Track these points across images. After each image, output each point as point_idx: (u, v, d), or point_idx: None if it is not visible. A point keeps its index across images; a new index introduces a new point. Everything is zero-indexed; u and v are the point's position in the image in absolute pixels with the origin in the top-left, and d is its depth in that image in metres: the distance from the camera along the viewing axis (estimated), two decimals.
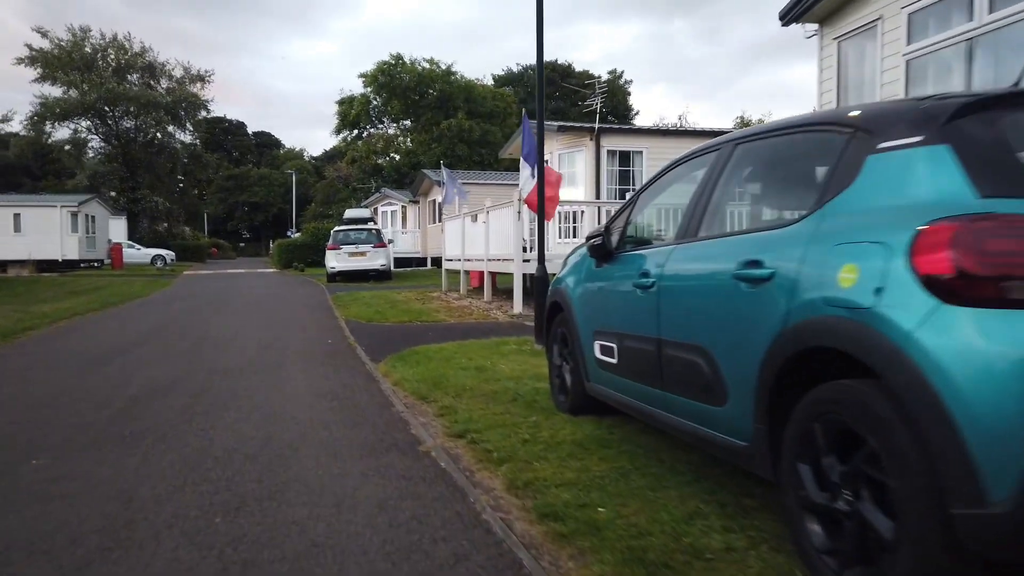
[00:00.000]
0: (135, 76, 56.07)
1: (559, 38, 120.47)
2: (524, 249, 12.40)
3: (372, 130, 46.88)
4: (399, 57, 43.56)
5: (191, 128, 59.84)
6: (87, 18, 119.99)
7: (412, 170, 42.04)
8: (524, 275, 12.38)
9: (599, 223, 13.55)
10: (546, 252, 14.17)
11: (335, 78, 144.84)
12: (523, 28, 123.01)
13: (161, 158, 57.73)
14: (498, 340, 8.94)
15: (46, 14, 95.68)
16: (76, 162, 57.73)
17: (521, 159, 12.16)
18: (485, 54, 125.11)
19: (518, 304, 12.34)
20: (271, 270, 37.15)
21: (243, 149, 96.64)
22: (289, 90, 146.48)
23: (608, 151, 14.75)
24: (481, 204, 16.19)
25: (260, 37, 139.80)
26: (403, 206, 35.82)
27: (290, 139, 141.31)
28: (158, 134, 56.93)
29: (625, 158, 14.90)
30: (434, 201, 29.07)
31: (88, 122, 53.57)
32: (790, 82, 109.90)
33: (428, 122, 43.27)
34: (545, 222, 13.74)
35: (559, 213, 12.99)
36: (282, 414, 5.41)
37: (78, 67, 50.57)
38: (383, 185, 42.00)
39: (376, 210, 34.90)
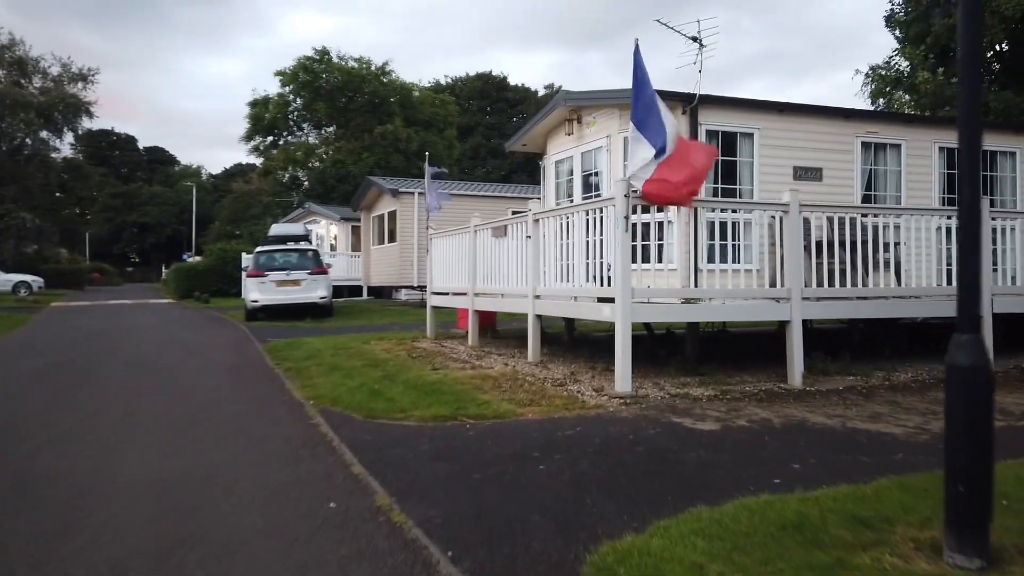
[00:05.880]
0: (1, 72, 47.47)
1: (477, 64, 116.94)
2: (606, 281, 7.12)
3: (290, 138, 40.34)
4: (324, 52, 37.37)
5: (71, 137, 51.54)
6: None
7: (339, 183, 36.01)
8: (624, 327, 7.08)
9: (695, 238, 8.69)
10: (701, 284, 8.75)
11: (240, 97, 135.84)
12: (440, 53, 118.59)
13: (31, 168, 49.00)
14: (786, 515, 3.62)
15: None
16: None
17: (631, 127, 7.13)
18: (402, 78, 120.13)
19: (624, 379, 6.97)
20: (166, 300, 30.19)
21: (132, 165, 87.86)
22: (192, 108, 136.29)
23: (707, 131, 9.74)
24: (461, 222, 10.96)
25: (164, 51, 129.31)
26: (333, 224, 29.82)
27: (188, 158, 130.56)
28: (27, 140, 48.29)
29: (730, 143, 9.91)
30: (382, 215, 23.34)
31: None
32: None
33: (358, 128, 37.23)
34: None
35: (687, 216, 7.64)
36: None
37: None
38: (305, 200, 35.69)
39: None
